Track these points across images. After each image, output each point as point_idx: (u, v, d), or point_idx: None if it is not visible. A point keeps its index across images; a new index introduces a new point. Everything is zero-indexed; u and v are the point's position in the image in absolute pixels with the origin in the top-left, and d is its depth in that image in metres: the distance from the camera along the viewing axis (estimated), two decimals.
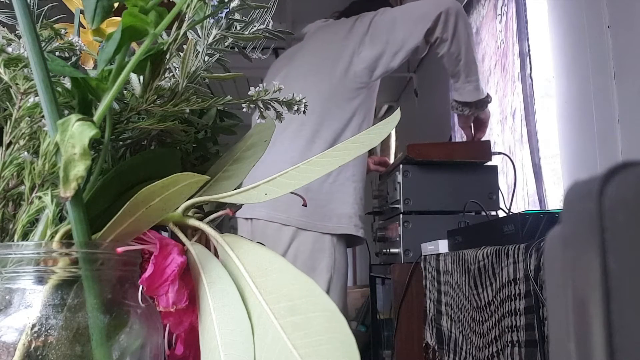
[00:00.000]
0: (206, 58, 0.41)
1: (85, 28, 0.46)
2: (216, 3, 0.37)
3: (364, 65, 1.32)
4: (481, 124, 1.39)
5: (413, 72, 2.80)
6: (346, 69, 1.33)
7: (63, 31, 0.40)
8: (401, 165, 1.24)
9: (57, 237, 0.28)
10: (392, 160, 1.99)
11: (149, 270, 0.29)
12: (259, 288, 0.28)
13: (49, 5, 0.44)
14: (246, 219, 1.35)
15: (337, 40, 1.37)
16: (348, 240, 1.37)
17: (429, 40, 1.28)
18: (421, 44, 1.28)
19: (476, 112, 1.34)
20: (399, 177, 1.24)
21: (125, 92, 0.39)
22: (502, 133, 1.57)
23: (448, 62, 1.31)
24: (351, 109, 1.34)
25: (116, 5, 0.33)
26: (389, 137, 3.13)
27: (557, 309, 0.16)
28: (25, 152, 0.30)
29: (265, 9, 0.44)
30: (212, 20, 0.41)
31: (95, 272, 0.28)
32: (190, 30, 0.39)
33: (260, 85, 0.39)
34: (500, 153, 1.36)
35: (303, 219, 1.28)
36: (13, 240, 0.30)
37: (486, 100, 1.34)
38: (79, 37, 0.42)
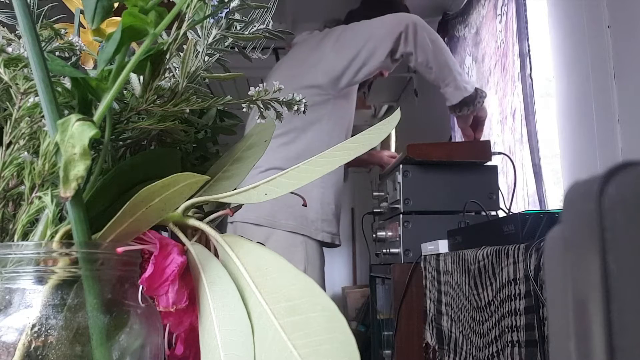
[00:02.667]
0: (206, 58, 0.41)
1: (85, 28, 0.46)
2: (216, 3, 0.37)
3: (327, 77, 1.39)
4: (480, 123, 1.40)
5: (413, 72, 2.80)
6: (309, 80, 1.40)
7: (63, 31, 0.40)
8: (401, 165, 1.24)
9: (57, 237, 0.28)
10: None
11: (149, 270, 0.29)
12: (259, 288, 0.28)
13: (49, 5, 0.44)
14: (230, 222, 1.42)
15: (305, 53, 1.46)
16: (321, 242, 1.43)
17: (394, 58, 1.37)
18: (385, 63, 1.36)
19: (474, 109, 1.36)
20: (399, 177, 1.24)
21: (125, 92, 0.39)
22: (502, 133, 1.57)
23: (422, 72, 1.39)
24: (315, 117, 1.40)
25: (116, 5, 0.33)
26: (389, 137, 3.13)
27: (557, 309, 0.16)
28: (25, 152, 0.30)
29: (265, 9, 0.44)
30: (212, 20, 0.41)
31: (95, 272, 0.28)
32: (190, 30, 0.39)
33: (260, 85, 0.39)
34: (500, 153, 1.36)
35: (270, 217, 1.35)
36: (13, 240, 0.30)
37: (480, 95, 1.36)
38: (79, 37, 0.42)
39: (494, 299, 0.72)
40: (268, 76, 1.55)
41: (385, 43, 1.33)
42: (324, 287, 1.48)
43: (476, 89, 1.36)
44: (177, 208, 0.33)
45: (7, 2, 0.39)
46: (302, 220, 1.36)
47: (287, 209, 1.35)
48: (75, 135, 0.26)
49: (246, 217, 1.36)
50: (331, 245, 1.45)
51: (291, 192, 0.33)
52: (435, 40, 1.35)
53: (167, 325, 0.32)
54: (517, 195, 1.34)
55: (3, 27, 0.38)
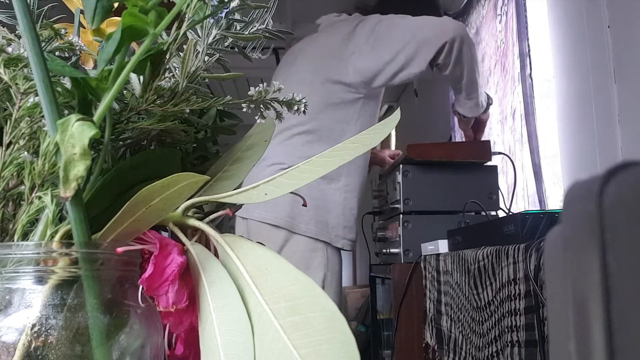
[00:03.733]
0: (206, 58, 0.41)
1: (85, 28, 0.46)
2: (216, 3, 0.37)
3: (359, 76, 1.29)
4: (481, 125, 1.40)
5: None
6: (338, 75, 1.29)
7: (63, 31, 0.40)
8: (401, 165, 1.24)
9: (57, 237, 0.28)
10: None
11: (149, 270, 0.29)
12: (259, 288, 0.28)
13: (49, 5, 0.44)
14: (243, 218, 1.34)
15: (335, 45, 1.32)
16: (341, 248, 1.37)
17: (432, 64, 1.26)
18: (427, 71, 1.25)
19: (478, 114, 1.35)
20: (399, 177, 1.24)
21: (125, 92, 0.39)
22: (502, 133, 1.57)
23: (449, 80, 1.30)
24: (343, 116, 1.31)
25: (116, 5, 0.33)
26: (389, 137, 3.13)
27: (557, 309, 0.16)
28: (25, 152, 0.30)
29: (265, 9, 0.44)
30: (212, 20, 0.41)
31: (95, 272, 0.28)
32: (190, 30, 0.39)
33: (260, 85, 0.39)
34: (500, 153, 1.36)
35: (289, 220, 1.27)
36: (13, 240, 0.30)
37: (488, 104, 1.35)
38: (79, 37, 0.42)
39: (494, 299, 0.72)
40: (289, 63, 1.41)
41: (428, 49, 1.22)
42: (341, 293, 1.41)
43: (488, 99, 1.35)
44: (177, 208, 0.33)
45: (7, 2, 0.39)
46: (322, 226, 1.29)
47: (308, 212, 1.27)
48: (75, 135, 0.26)
49: (264, 216, 1.28)
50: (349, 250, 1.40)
51: (291, 192, 0.33)
52: (475, 56, 1.27)
53: (167, 325, 0.32)
54: (517, 195, 1.34)
55: (3, 27, 0.38)
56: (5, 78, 0.32)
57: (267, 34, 0.45)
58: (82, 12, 0.45)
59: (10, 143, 0.31)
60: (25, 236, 0.30)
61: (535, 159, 1.30)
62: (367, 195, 1.47)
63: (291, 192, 0.33)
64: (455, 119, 1.71)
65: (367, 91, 1.31)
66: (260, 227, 1.30)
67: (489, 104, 1.36)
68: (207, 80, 0.43)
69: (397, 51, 1.24)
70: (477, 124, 1.40)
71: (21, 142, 0.31)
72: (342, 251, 1.38)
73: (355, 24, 1.33)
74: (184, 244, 0.32)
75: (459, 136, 1.87)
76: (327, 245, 1.30)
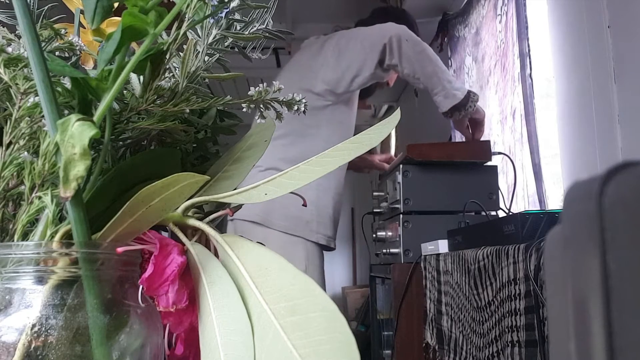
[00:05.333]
0: (206, 58, 0.41)
1: (85, 28, 0.46)
2: (216, 3, 0.37)
3: (325, 84, 1.42)
4: (478, 124, 1.40)
5: None
6: (307, 84, 1.41)
7: (63, 31, 0.40)
8: (401, 165, 1.24)
9: (57, 237, 0.28)
10: None
11: (149, 270, 0.29)
12: (259, 288, 0.28)
13: (49, 5, 0.44)
14: (230, 220, 1.43)
15: (307, 57, 1.49)
16: (319, 244, 1.45)
17: (384, 68, 1.38)
18: (376, 74, 1.39)
19: (466, 113, 1.35)
20: (399, 177, 1.24)
21: (125, 92, 0.39)
22: (502, 133, 1.57)
23: (410, 82, 1.41)
24: (314, 122, 1.43)
25: (116, 5, 0.33)
26: (389, 136, 3.13)
27: (557, 309, 0.16)
28: (25, 152, 0.30)
29: (265, 9, 0.44)
30: (212, 20, 0.41)
31: (95, 272, 0.28)
32: (190, 30, 0.39)
33: (260, 85, 0.39)
34: (500, 153, 1.36)
35: (264, 215, 1.37)
36: (13, 240, 0.30)
37: (471, 99, 1.34)
38: (79, 37, 0.42)
39: (494, 299, 0.72)
40: (277, 78, 1.56)
41: (372, 54, 1.35)
42: (324, 287, 1.50)
43: (468, 94, 1.35)
44: (177, 208, 0.33)
45: (7, 2, 0.39)
46: (296, 221, 1.38)
47: (282, 209, 1.36)
48: (75, 135, 0.26)
49: (244, 214, 1.37)
50: (326, 248, 1.46)
51: (291, 192, 0.33)
52: (422, 52, 1.34)
53: (167, 325, 0.32)
54: (517, 195, 1.34)
55: (3, 27, 0.38)
56: (5, 78, 0.32)
57: (267, 34, 0.45)
58: (82, 12, 0.45)
59: (10, 143, 0.31)
60: (25, 236, 0.30)
61: (535, 159, 1.30)
62: (367, 196, 1.48)
63: (291, 192, 0.33)
64: (451, 122, 1.71)
65: (334, 98, 1.44)
66: (243, 225, 1.39)
67: (471, 99, 1.35)
68: (207, 80, 0.43)
69: (352, 60, 1.39)
70: (474, 124, 1.40)
71: (21, 142, 0.31)
72: (328, 250, 1.47)
73: (325, 40, 1.50)
74: (184, 244, 0.32)
75: (459, 136, 1.87)
76: (305, 240, 1.39)
